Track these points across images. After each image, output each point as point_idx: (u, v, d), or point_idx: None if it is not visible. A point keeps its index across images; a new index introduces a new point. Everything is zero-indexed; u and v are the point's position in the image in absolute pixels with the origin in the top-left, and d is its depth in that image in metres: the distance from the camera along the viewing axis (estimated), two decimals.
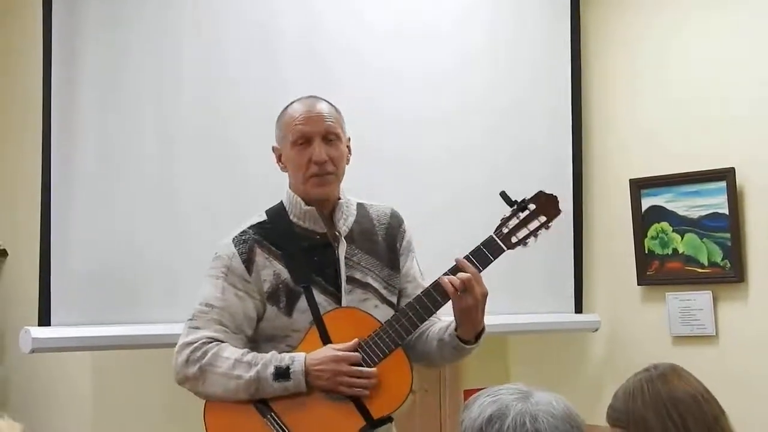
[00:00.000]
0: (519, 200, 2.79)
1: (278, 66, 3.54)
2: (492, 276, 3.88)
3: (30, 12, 3.59)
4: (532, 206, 2.79)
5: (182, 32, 3.38)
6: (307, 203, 2.80)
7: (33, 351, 3.01)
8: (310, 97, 2.87)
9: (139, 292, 3.23)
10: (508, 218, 2.79)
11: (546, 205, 2.81)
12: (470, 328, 2.75)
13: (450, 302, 2.74)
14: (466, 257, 2.75)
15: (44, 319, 3.05)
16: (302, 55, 3.60)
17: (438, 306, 2.74)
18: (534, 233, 2.80)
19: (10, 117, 4.11)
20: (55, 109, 3.10)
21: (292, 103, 2.86)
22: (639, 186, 4.17)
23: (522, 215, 2.79)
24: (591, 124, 4.41)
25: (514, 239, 2.78)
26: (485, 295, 2.72)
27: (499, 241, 2.77)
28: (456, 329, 2.76)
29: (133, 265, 3.24)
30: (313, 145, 2.77)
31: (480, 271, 2.74)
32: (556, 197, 2.83)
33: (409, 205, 3.69)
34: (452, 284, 2.68)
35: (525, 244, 2.79)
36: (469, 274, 2.69)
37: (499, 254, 2.77)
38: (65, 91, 3.14)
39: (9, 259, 4.11)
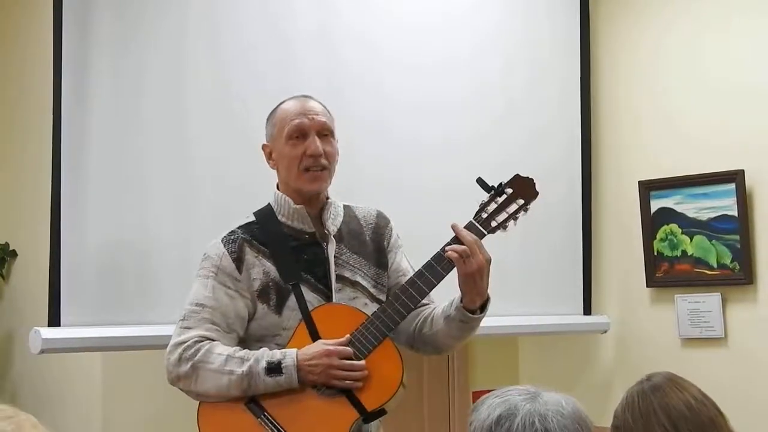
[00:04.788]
0: (496, 185, 2.78)
1: (295, 58, 3.55)
2: (501, 278, 3.89)
3: (40, 3, 3.60)
4: (509, 190, 2.78)
5: (197, 23, 3.38)
6: (296, 203, 2.81)
7: (42, 352, 3.00)
8: (303, 96, 2.89)
9: (151, 292, 3.23)
10: (487, 203, 2.78)
11: (523, 187, 2.79)
12: (475, 296, 2.74)
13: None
14: (446, 245, 2.73)
15: (54, 320, 3.05)
16: (317, 44, 3.60)
17: (440, 277, 2.72)
18: (513, 216, 2.78)
19: (17, 116, 4.12)
20: (64, 106, 3.09)
21: (283, 101, 2.88)
22: (648, 188, 4.17)
23: (500, 199, 2.77)
24: (600, 126, 4.41)
25: (493, 223, 2.77)
26: (489, 260, 2.72)
27: (478, 226, 2.76)
28: (461, 301, 2.76)
29: (144, 264, 3.23)
30: (309, 139, 2.79)
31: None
32: (532, 179, 2.81)
33: (420, 192, 3.72)
34: (456, 251, 2.68)
35: (504, 227, 2.78)
36: (471, 239, 2.69)
37: (480, 239, 2.75)
38: (75, 87, 3.12)
39: (18, 259, 4.12)
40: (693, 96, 4.11)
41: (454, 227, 2.74)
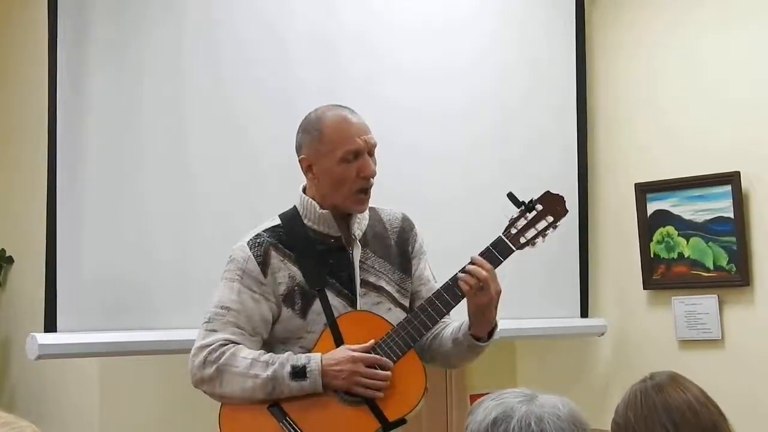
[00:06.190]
0: (526, 201, 2.81)
1: (294, 64, 3.54)
2: (498, 281, 3.89)
3: (35, 6, 3.59)
4: (539, 207, 2.81)
5: (195, 31, 3.37)
6: (322, 207, 2.81)
7: (39, 357, 3.00)
8: (346, 108, 2.85)
9: (148, 297, 3.22)
10: (516, 219, 2.81)
11: (553, 204, 2.83)
12: (484, 326, 2.77)
13: (459, 304, 2.77)
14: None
15: (50, 326, 3.05)
16: (316, 51, 3.60)
17: (450, 308, 2.76)
18: (542, 233, 2.82)
19: (13, 120, 4.12)
20: (60, 110, 3.09)
21: (324, 113, 2.83)
22: (644, 190, 4.17)
23: (530, 216, 2.81)
24: (596, 129, 4.41)
25: (522, 239, 2.80)
26: (499, 292, 2.75)
27: (508, 242, 2.79)
28: (469, 328, 2.78)
29: (141, 269, 3.22)
30: (362, 160, 2.77)
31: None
32: (562, 197, 2.85)
33: (419, 199, 3.72)
34: (468, 283, 2.70)
35: (533, 244, 2.82)
36: (486, 273, 2.71)
37: (509, 255, 2.79)
38: (71, 91, 3.12)
39: (15, 265, 4.12)
40: (688, 98, 4.12)
41: (473, 259, 2.75)
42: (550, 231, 2.83)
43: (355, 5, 3.76)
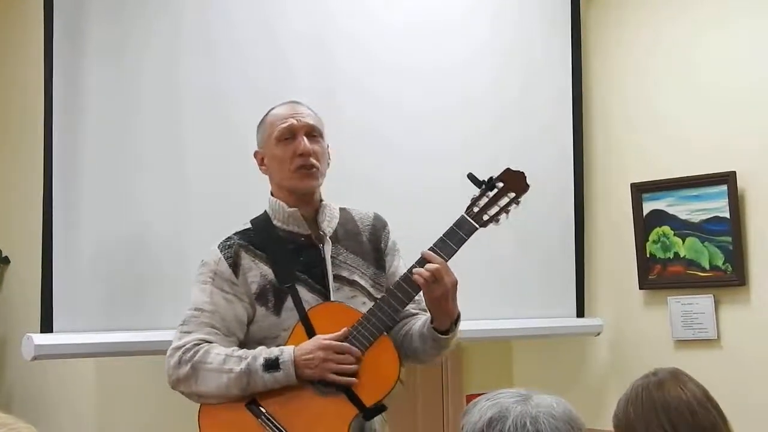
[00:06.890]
0: (486, 179, 2.80)
1: (290, 64, 3.55)
2: (495, 281, 3.90)
3: (31, 6, 3.59)
4: (500, 184, 2.82)
5: (191, 31, 3.38)
6: (290, 206, 2.84)
7: (35, 358, 3.00)
8: (292, 101, 2.94)
9: (144, 298, 3.22)
10: (478, 197, 2.81)
11: (514, 181, 2.83)
12: (444, 318, 2.77)
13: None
14: (439, 241, 2.76)
15: (46, 326, 3.05)
16: (312, 51, 3.61)
17: (410, 297, 2.76)
18: (504, 209, 2.81)
19: (9, 120, 4.11)
20: (56, 110, 3.09)
21: (272, 108, 2.93)
22: (640, 190, 4.17)
23: (491, 193, 2.80)
24: (592, 129, 4.41)
25: (485, 217, 2.80)
26: (455, 284, 2.74)
27: (470, 220, 2.78)
28: (432, 321, 2.79)
29: (137, 270, 3.23)
30: (298, 139, 2.83)
31: (455, 251, 2.76)
32: (523, 173, 2.85)
33: (415, 198, 3.73)
34: (422, 276, 2.71)
35: (497, 221, 2.81)
36: (437, 265, 2.71)
37: (472, 233, 2.78)
38: (67, 91, 3.12)
39: (11, 266, 4.11)
40: (685, 98, 4.12)
41: (423, 254, 2.75)
42: (512, 207, 2.82)
43: (352, 5, 3.76)
